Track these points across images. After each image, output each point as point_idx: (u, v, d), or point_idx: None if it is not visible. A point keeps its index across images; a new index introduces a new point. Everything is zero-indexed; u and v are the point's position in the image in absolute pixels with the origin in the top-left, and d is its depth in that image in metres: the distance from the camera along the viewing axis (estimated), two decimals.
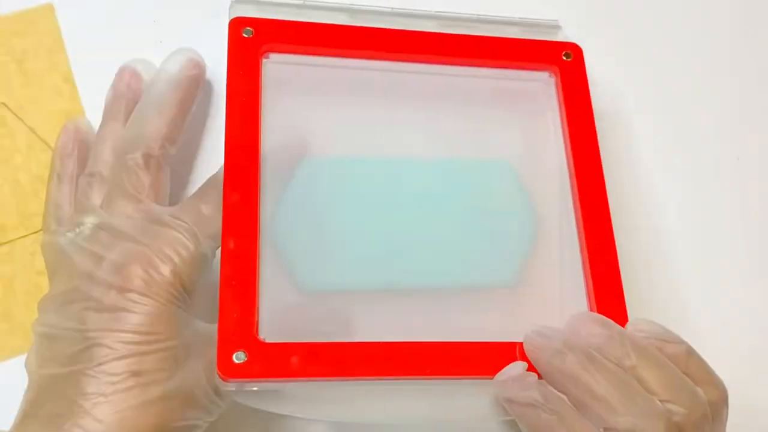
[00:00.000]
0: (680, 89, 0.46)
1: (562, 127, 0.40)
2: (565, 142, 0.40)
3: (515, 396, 0.33)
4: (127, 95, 0.39)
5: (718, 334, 0.42)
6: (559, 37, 0.43)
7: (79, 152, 0.39)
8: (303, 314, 0.36)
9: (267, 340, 0.33)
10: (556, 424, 0.31)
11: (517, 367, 0.34)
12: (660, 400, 0.31)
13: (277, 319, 0.34)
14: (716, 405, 0.33)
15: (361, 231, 0.38)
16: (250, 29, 0.38)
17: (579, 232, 0.38)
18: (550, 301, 0.40)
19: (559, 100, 0.40)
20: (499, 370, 0.34)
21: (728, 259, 0.44)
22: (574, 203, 0.39)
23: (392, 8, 0.41)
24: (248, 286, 0.33)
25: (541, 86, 0.42)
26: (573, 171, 0.39)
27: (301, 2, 0.40)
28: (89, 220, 0.36)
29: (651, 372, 0.32)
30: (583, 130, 0.40)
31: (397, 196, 0.39)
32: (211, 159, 0.41)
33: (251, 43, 0.38)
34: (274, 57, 0.38)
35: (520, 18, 0.43)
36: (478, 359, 0.35)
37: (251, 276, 0.34)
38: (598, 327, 0.34)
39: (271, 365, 0.32)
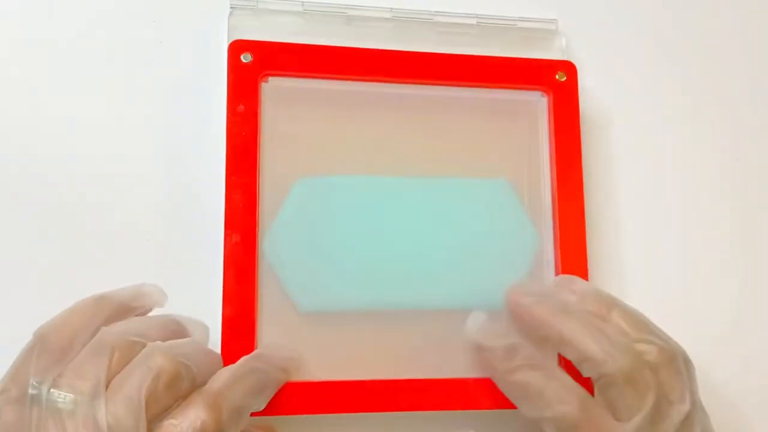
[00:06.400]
0: (679, 90, 0.45)
1: (550, 149, 0.41)
2: (551, 163, 0.41)
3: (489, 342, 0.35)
4: (136, 311, 0.34)
5: (719, 336, 0.43)
6: (556, 37, 0.43)
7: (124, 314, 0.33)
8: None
9: None
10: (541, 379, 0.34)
11: (479, 316, 0.37)
12: (633, 340, 0.34)
13: None
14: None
15: (358, 251, 0.38)
16: (249, 55, 0.38)
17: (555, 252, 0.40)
18: None
19: (549, 121, 0.41)
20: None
21: (729, 260, 0.44)
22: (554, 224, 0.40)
23: (391, 9, 0.42)
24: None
25: (536, 104, 0.42)
26: (555, 192, 0.40)
27: (301, 7, 0.41)
28: (83, 391, 0.29)
29: (624, 318, 0.35)
30: (569, 152, 0.40)
31: (395, 215, 0.39)
32: None
33: (250, 68, 0.38)
34: (273, 81, 0.39)
35: (518, 17, 0.43)
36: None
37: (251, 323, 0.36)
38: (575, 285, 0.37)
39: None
